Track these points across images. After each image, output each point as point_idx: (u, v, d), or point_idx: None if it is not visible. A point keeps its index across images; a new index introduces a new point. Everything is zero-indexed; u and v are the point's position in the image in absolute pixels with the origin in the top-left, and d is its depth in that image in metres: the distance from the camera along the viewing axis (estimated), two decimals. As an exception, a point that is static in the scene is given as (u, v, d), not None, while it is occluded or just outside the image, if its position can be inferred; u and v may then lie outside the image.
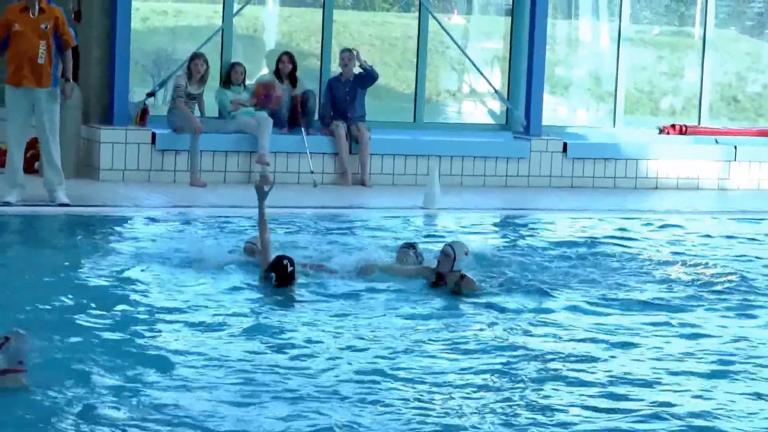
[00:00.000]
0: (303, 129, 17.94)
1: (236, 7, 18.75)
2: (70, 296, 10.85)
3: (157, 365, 8.38)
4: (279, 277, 10.84)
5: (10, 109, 15.59)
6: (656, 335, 10.18)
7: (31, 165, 17.04)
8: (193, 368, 8.42)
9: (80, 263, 12.51)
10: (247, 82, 18.33)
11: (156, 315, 10.29)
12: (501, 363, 8.85)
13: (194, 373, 8.30)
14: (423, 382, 8.25)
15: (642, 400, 8.08)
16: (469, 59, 19.68)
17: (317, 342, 9.36)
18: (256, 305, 10.83)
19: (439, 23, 19.31)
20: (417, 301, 11.15)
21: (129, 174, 17.21)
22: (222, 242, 13.66)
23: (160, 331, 9.73)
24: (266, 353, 8.98)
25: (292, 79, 18.21)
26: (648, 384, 8.57)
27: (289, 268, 10.93)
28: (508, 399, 7.90)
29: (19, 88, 15.25)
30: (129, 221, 15.37)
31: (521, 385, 8.30)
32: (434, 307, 10.86)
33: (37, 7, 15.14)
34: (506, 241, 15.25)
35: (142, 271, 11.84)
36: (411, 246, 12.54)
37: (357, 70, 18.44)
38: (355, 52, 18.54)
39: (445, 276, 11.22)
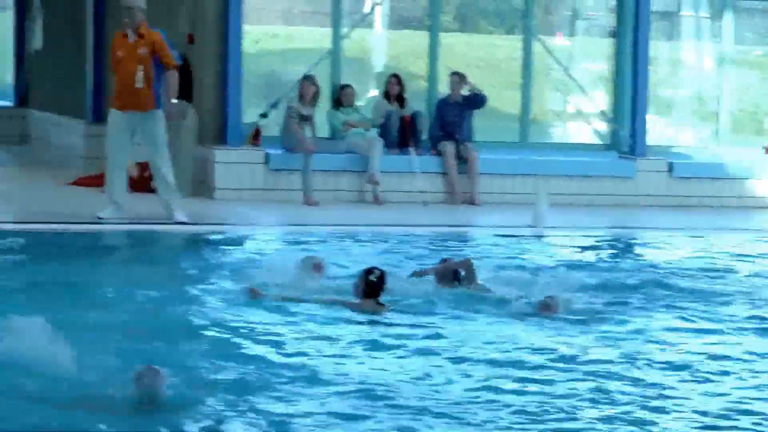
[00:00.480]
0: (412, 149, 18.05)
1: (345, 30, 18.67)
2: (187, 312, 11.05)
3: (277, 381, 8.40)
4: (369, 286, 10.90)
5: (110, 130, 15.84)
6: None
7: (146, 184, 17.19)
8: (305, 383, 8.42)
9: (193, 279, 12.57)
10: (357, 103, 18.28)
11: (274, 333, 10.24)
12: (615, 379, 8.75)
13: (311, 389, 8.31)
14: (526, 393, 8.26)
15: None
16: (574, 80, 19.79)
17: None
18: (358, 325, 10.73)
19: (544, 45, 19.49)
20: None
21: (243, 193, 17.41)
22: (335, 260, 13.46)
23: (280, 348, 9.64)
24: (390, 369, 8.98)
25: (401, 101, 18.28)
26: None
27: (375, 278, 11.05)
28: (623, 416, 7.77)
29: (121, 112, 15.48)
30: (243, 239, 15.61)
31: (633, 402, 8.13)
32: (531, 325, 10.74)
33: (134, 33, 15.51)
34: (615, 260, 15.04)
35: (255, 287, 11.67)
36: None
37: (465, 91, 18.40)
38: (464, 76, 18.48)
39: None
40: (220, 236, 15.72)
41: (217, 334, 10.57)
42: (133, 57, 15.41)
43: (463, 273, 12.12)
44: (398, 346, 9.93)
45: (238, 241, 15.52)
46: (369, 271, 11.19)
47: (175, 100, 16.40)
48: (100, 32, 20.60)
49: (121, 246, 15.14)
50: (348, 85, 18.49)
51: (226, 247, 15.13)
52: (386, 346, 9.96)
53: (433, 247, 15.16)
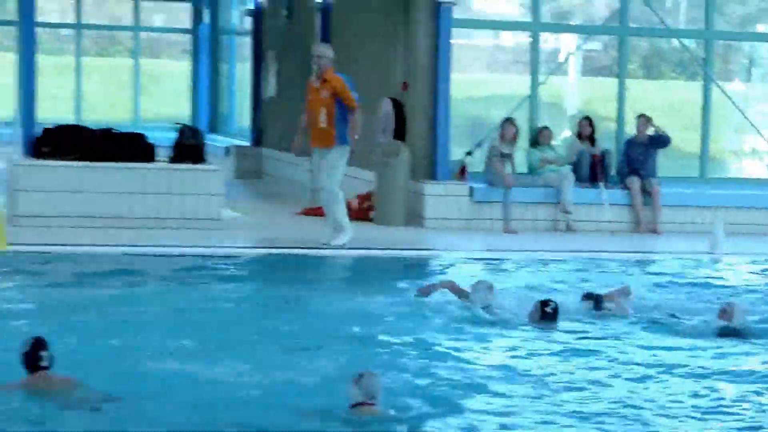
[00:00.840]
0: (602, 183, 18.59)
1: (542, 77, 19.29)
2: (400, 325, 11.50)
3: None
4: (544, 315, 11.33)
5: (312, 166, 17.03)
6: None
7: (366, 214, 18.46)
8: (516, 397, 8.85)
9: (402, 297, 12.98)
10: (552, 142, 18.96)
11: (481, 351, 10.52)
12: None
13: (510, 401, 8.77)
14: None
15: None
16: (749, 121, 20.18)
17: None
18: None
19: (722, 90, 19.83)
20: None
21: (450, 222, 18.02)
22: (529, 282, 14.04)
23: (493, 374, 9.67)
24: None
25: (591, 140, 18.85)
26: None
27: (551, 310, 11.50)
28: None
29: (313, 148, 16.29)
30: (449, 263, 15.85)
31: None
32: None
33: (318, 78, 16.18)
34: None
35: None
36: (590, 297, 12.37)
37: (651, 132, 18.84)
38: (649, 118, 18.86)
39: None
40: (429, 260, 16.30)
41: (423, 345, 10.92)
42: (317, 100, 16.06)
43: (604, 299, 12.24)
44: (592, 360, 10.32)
45: (445, 265, 15.72)
46: (545, 303, 11.65)
47: (357, 136, 16.55)
48: None
49: (342, 268, 15.61)
50: (546, 127, 19.00)
51: (434, 270, 15.51)
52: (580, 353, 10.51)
53: (619, 271, 15.58)
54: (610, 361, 10.39)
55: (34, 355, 8.31)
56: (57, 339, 9.70)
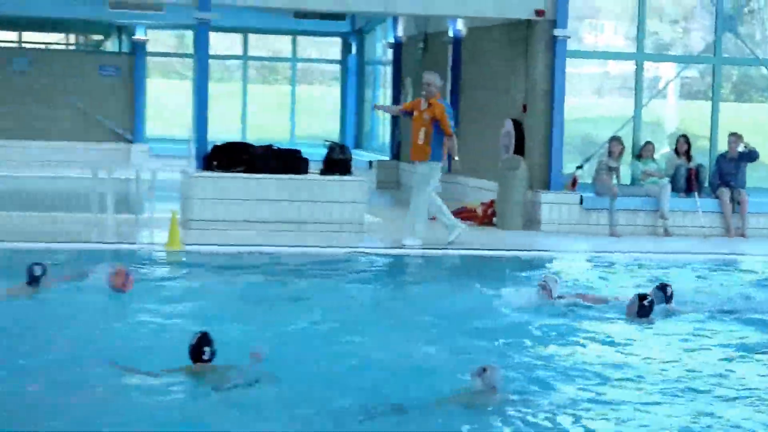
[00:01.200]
0: (696, 194, 18.43)
1: (645, 101, 19.13)
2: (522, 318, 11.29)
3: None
4: (641, 309, 11.08)
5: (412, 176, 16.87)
6: None
7: (491, 219, 18.38)
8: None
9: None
10: (655, 155, 18.75)
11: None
12: None
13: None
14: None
15: None
16: None
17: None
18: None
19: None
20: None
21: (562, 227, 18.01)
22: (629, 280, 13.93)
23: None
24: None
25: (688, 156, 18.65)
26: None
27: (647, 304, 11.21)
28: None
29: (407, 162, 16.61)
30: (563, 261, 16.20)
31: None
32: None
33: (426, 102, 16.03)
34: None
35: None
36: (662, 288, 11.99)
37: (741, 148, 18.58)
38: (740, 136, 18.63)
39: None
40: (544, 260, 16.13)
41: (540, 334, 10.89)
42: (419, 120, 16.00)
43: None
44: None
45: (558, 264, 15.92)
46: (643, 297, 11.41)
47: (457, 157, 16.60)
48: (455, 105, 21.06)
49: (467, 266, 15.47)
50: (649, 141, 18.79)
51: (548, 268, 15.34)
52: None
53: (710, 270, 15.38)
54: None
55: (198, 349, 8.36)
56: (232, 323, 10.50)
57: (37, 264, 11.44)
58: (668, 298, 11.80)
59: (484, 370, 8.13)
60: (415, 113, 16.21)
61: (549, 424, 7.82)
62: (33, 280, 11.38)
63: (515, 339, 10.55)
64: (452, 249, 16.28)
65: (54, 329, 10.10)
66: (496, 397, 8.11)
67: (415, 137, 16.10)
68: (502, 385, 8.22)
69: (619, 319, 11.43)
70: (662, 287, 11.91)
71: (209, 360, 8.51)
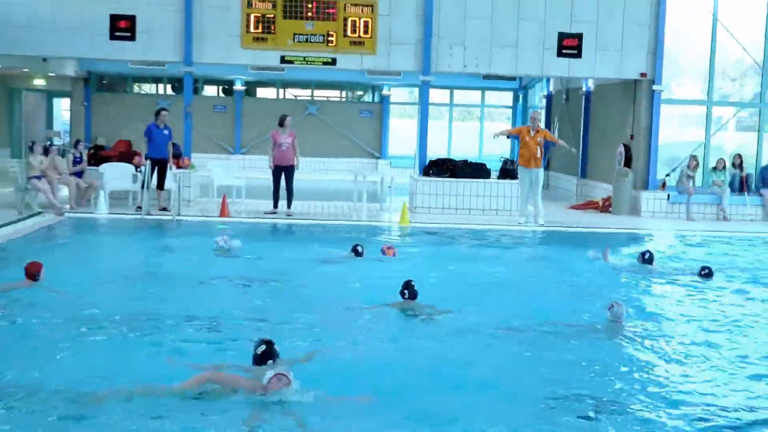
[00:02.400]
0: (746, 193, 17.97)
1: (712, 131, 18.48)
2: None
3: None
4: None
5: (521, 178, 16.10)
6: None
7: (607, 209, 18.00)
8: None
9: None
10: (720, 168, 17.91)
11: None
12: None
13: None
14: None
15: None
16: None
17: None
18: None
19: None
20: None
21: (655, 214, 17.68)
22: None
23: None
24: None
25: (741, 167, 18.07)
26: None
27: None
28: None
29: (527, 168, 15.76)
30: (656, 237, 15.11)
31: None
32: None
33: (534, 130, 15.78)
34: None
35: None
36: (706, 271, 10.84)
37: None
38: None
39: None
40: (644, 235, 15.36)
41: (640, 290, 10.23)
42: (534, 142, 15.64)
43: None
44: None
45: (651, 237, 15.08)
46: (644, 253, 10.99)
47: (564, 143, 16.54)
48: (586, 136, 21.31)
49: (594, 239, 14.28)
50: (721, 158, 18.11)
51: (644, 240, 14.68)
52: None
53: (753, 245, 14.62)
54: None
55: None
56: (439, 270, 10.70)
57: (358, 244, 11.43)
58: (648, 260, 11.25)
59: (612, 306, 7.91)
60: (528, 138, 15.78)
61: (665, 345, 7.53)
62: (357, 255, 11.26)
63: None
64: (579, 226, 15.94)
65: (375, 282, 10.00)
66: (622, 325, 7.81)
67: (535, 152, 15.78)
68: (625, 316, 7.97)
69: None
70: (644, 253, 11.40)
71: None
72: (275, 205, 16.18)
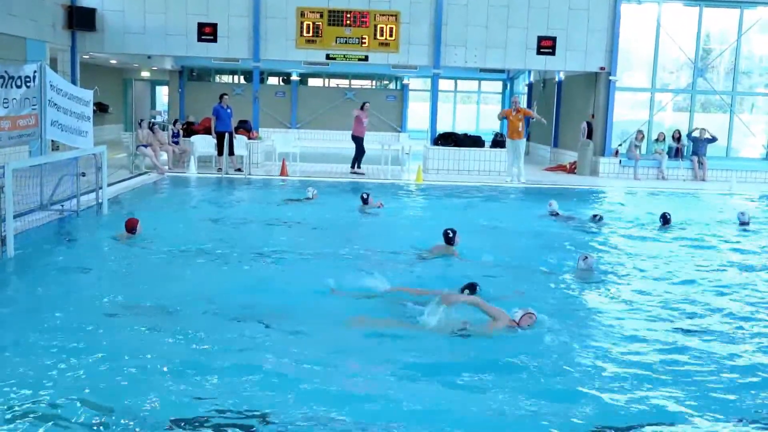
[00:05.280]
0: (680, 159, 17.39)
1: (655, 111, 17.86)
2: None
3: None
4: None
5: (508, 147, 15.87)
6: None
7: (573, 170, 17.58)
8: None
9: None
10: (661, 139, 17.59)
11: None
12: None
13: None
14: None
15: None
16: None
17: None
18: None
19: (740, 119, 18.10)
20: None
21: (610, 175, 17.10)
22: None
23: None
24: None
25: (678, 140, 17.42)
26: None
27: None
28: None
29: (512, 140, 15.58)
30: (609, 191, 14.56)
31: None
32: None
33: (515, 110, 15.59)
34: None
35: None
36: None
37: (706, 135, 17.21)
38: (705, 129, 17.25)
39: None
40: (600, 190, 14.91)
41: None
42: (517, 119, 15.49)
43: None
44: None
45: (605, 193, 14.53)
46: (595, 215, 10.05)
47: (538, 116, 16.10)
48: (558, 114, 20.94)
49: (562, 193, 13.79)
50: (661, 132, 17.42)
51: (602, 194, 14.25)
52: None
53: (681, 195, 14.03)
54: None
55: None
56: (444, 217, 10.13)
57: (365, 192, 11.27)
58: (597, 219, 10.38)
59: (585, 257, 7.22)
60: (512, 117, 15.66)
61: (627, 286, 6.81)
62: (364, 202, 10.93)
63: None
64: (552, 183, 15.47)
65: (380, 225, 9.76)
66: (594, 275, 7.09)
67: (517, 127, 15.67)
68: (597, 267, 7.28)
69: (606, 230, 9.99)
70: (596, 215, 10.56)
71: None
72: (360, 166, 16.41)
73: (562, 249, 8.41)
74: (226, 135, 15.71)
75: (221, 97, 15.85)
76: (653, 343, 5.19)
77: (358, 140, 16.31)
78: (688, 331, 5.55)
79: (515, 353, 4.82)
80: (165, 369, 4.36)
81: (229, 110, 15.65)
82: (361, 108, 16.49)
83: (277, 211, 10.64)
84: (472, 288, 5.99)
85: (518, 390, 4.25)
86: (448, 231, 7.80)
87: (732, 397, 4.26)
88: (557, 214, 10.71)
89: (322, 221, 9.80)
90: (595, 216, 10.51)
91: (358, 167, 16.31)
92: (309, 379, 4.25)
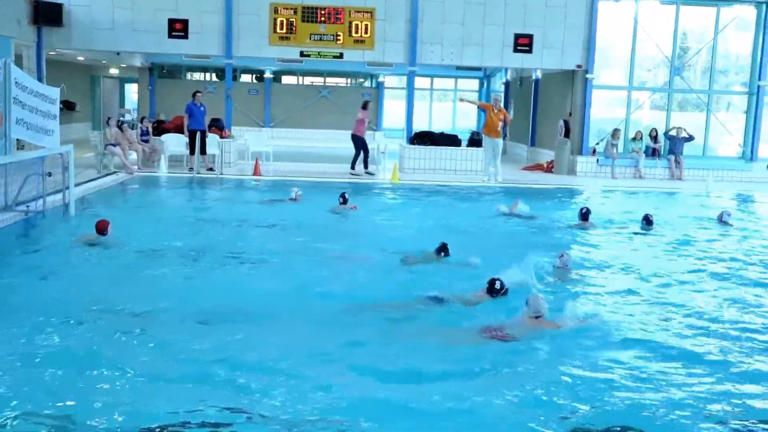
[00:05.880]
0: (657, 158, 17.38)
1: (632, 110, 17.99)
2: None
3: None
4: None
5: (485, 146, 15.84)
6: None
7: (551, 169, 17.64)
8: None
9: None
10: (639, 138, 17.56)
11: None
12: None
13: None
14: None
15: None
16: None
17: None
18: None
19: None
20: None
21: (587, 174, 17.26)
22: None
23: None
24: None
25: (655, 139, 17.46)
26: None
27: None
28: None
29: (490, 138, 15.57)
30: (587, 190, 14.67)
31: None
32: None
33: (497, 109, 15.58)
34: None
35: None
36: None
37: (683, 134, 17.26)
38: (682, 128, 17.34)
39: None
40: (578, 189, 14.97)
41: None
42: (497, 118, 15.46)
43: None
44: None
45: (584, 191, 14.61)
46: (583, 208, 9.71)
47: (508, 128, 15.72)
48: (535, 113, 21.06)
49: (539, 193, 13.94)
50: (639, 131, 17.55)
51: (580, 193, 14.31)
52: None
53: (656, 195, 14.07)
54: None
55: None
56: (415, 215, 10.57)
57: (345, 192, 11.17)
58: (584, 216, 10.10)
59: (562, 255, 7.22)
60: (492, 114, 15.56)
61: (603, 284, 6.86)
62: (344, 201, 10.86)
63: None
64: (529, 183, 15.51)
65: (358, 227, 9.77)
66: (570, 273, 7.08)
67: (497, 126, 15.63)
68: (572, 264, 7.25)
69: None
70: (583, 209, 10.23)
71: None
72: (353, 167, 16.29)
73: (544, 248, 8.38)
74: (199, 133, 15.60)
75: (194, 94, 15.92)
76: (630, 342, 5.27)
77: (358, 140, 16.18)
78: (666, 330, 5.63)
79: (500, 353, 4.90)
80: (133, 375, 4.31)
81: (202, 108, 15.61)
82: (363, 107, 16.46)
83: (258, 212, 10.57)
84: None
85: (497, 391, 4.29)
86: (443, 248, 7.53)
87: (715, 397, 4.34)
88: (509, 214, 10.56)
89: (301, 223, 9.74)
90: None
91: (365, 167, 16.20)
92: (282, 384, 4.25)
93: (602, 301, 6.42)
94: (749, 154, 18.16)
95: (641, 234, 9.75)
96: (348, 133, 17.26)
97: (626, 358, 4.89)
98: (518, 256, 6.87)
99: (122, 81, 29.29)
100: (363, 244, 8.32)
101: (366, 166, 16.27)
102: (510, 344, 4.95)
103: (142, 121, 17.49)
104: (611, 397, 4.21)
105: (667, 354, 5.00)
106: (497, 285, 5.99)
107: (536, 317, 5.29)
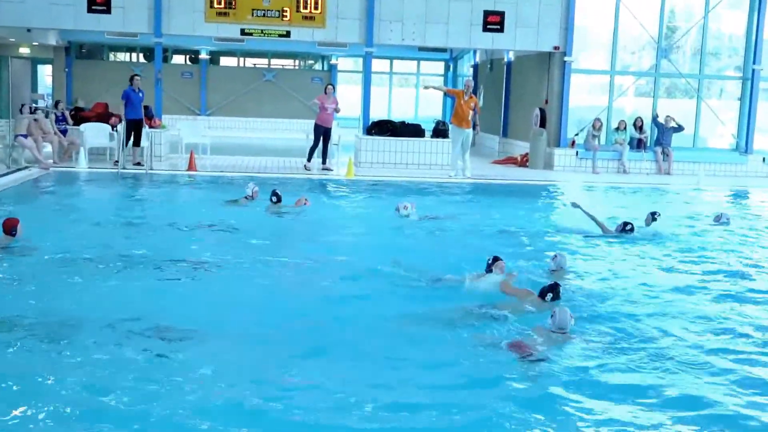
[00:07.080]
0: (643, 150, 17.72)
1: (615, 97, 18.25)
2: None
3: None
4: None
5: (453, 137, 16.04)
6: None
7: (525, 163, 17.81)
8: None
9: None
10: (622, 128, 17.87)
11: None
12: None
13: None
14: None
15: None
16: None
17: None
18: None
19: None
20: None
21: (566, 168, 17.55)
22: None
23: None
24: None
25: (641, 129, 17.85)
26: None
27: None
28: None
29: (459, 128, 15.71)
30: (566, 186, 14.99)
31: None
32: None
33: (468, 96, 15.66)
34: None
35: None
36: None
37: (672, 124, 17.66)
38: (672, 117, 17.64)
39: None
40: (555, 185, 14.95)
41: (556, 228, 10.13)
42: (468, 106, 15.57)
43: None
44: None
45: (561, 188, 14.74)
46: (626, 224, 9.51)
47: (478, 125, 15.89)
48: (507, 100, 21.17)
49: (510, 190, 14.21)
50: (622, 120, 17.88)
51: (557, 190, 14.54)
52: None
53: (637, 193, 14.33)
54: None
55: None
56: (374, 207, 10.94)
57: (277, 190, 11.06)
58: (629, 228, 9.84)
59: (555, 256, 7.47)
60: (462, 102, 15.67)
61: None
62: (278, 200, 10.81)
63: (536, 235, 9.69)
64: (500, 179, 15.79)
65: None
66: (564, 273, 7.34)
67: (466, 116, 15.72)
68: (566, 266, 7.47)
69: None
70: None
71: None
72: (309, 160, 16.05)
73: (537, 248, 8.71)
74: (136, 123, 15.56)
75: (132, 78, 15.87)
76: (622, 340, 5.57)
77: (318, 130, 16.00)
78: (658, 327, 5.90)
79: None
80: (53, 395, 4.27)
81: (141, 94, 15.61)
82: (325, 91, 16.19)
83: (192, 212, 10.50)
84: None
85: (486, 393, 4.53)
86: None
87: (715, 402, 4.58)
88: (408, 216, 10.43)
89: (240, 225, 9.66)
90: (626, 226, 9.80)
91: (323, 162, 16.15)
92: (219, 396, 4.35)
93: (602, 302, 6.67)
94: (743, 146, 18.48)
95: (641, 233, 9.89)
96: (296, 122, 17.17)
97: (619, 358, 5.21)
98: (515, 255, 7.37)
99: (34, 62, 28.61)
100: (306, 249, 8.38)
101: (324, 161, 16.22)
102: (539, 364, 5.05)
103: (56, 106, 17.22)
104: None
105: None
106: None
107: (561, 332, 5.46)
